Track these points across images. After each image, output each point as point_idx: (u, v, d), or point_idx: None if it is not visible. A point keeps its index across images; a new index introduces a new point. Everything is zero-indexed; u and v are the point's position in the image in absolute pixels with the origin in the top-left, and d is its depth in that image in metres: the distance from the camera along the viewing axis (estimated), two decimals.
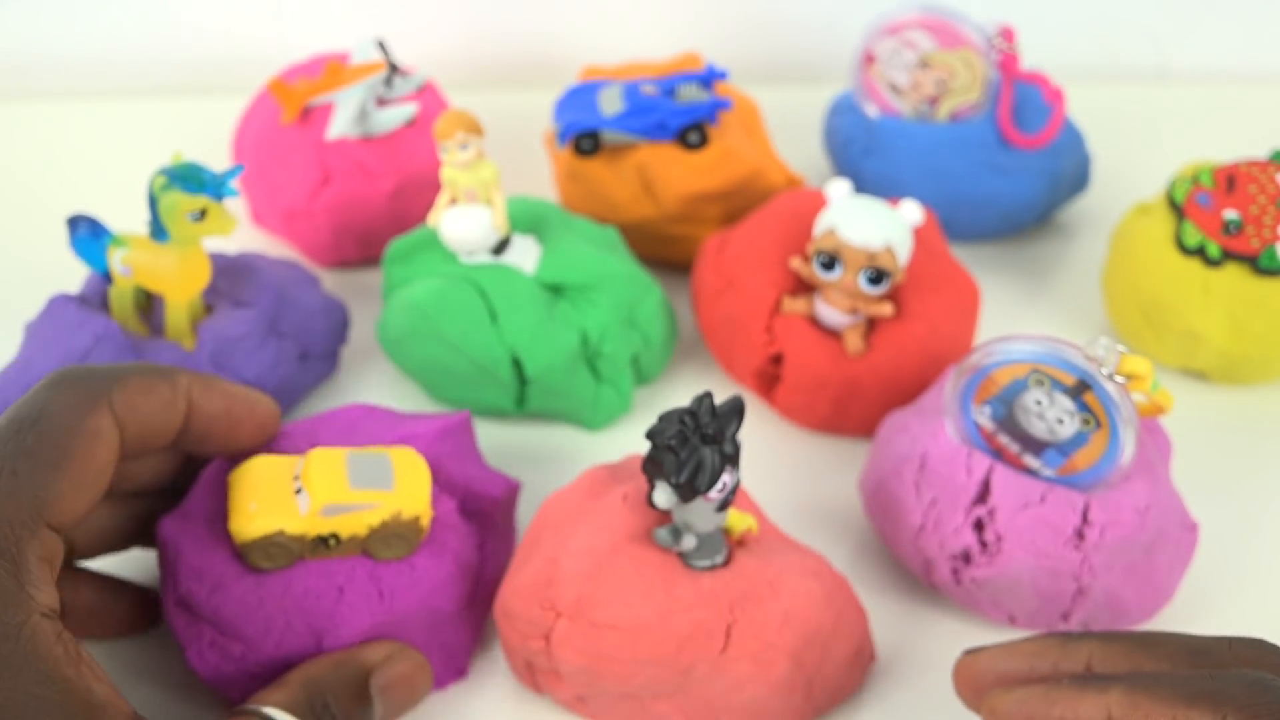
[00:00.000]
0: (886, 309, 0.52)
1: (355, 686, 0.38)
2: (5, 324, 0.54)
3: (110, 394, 0.37)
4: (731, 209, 0.60)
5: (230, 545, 0.40)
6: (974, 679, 0.37)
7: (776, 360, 0.54)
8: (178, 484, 0.44)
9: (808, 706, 0.42)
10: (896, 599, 0.49)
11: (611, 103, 0.59)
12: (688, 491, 0.39)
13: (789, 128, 0.68)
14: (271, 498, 0.39)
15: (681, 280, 0.61)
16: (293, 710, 0.36)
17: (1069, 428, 0.43)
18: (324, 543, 0.40)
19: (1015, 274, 0.65)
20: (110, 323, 0.50)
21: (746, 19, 0.79)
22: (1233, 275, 0.54)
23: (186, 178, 0.48)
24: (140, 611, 0.44)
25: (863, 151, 0.64)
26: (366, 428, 0.45)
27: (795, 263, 0.53)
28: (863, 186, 0.61)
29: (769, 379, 0.55)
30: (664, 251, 0.62)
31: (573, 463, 0.52)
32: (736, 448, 0.40)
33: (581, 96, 0.60)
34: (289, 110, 0.60)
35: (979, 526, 0.45)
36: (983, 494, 0.45)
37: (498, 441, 0.53)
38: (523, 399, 0.54)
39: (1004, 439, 0.45)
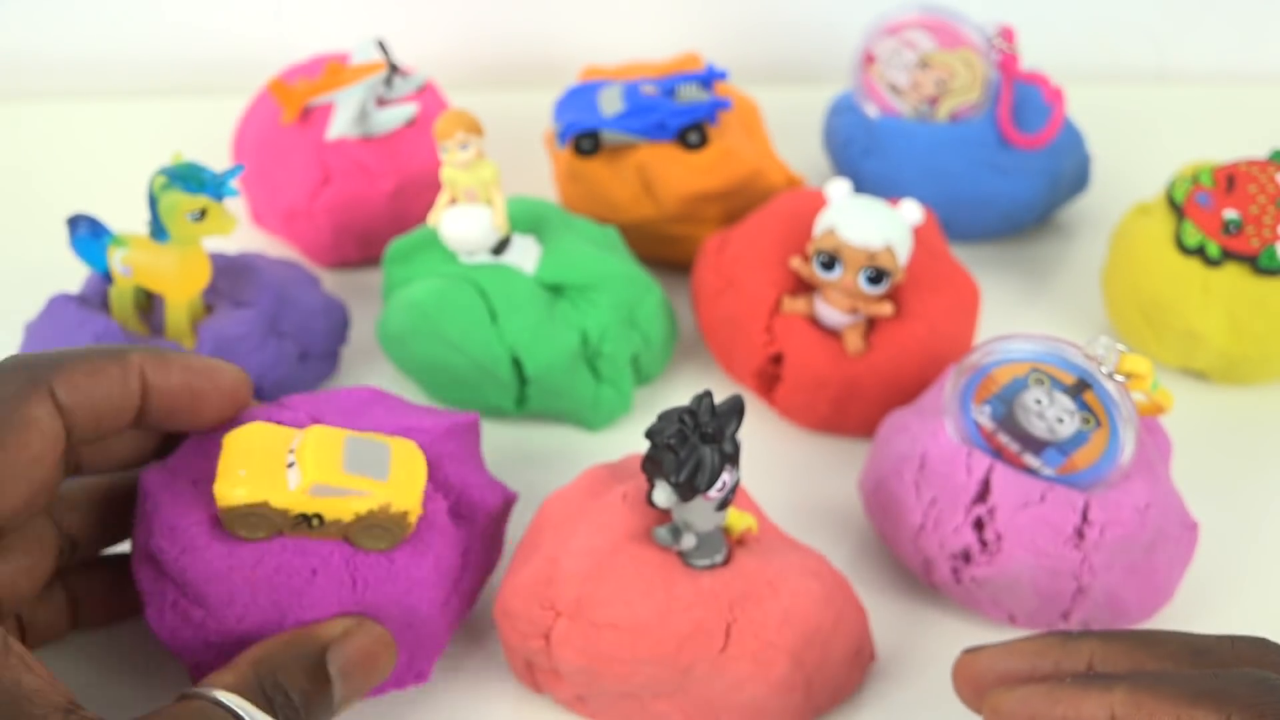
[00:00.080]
0: (886, 309, 0.52)
1: (310, 664, 0.37)
2: (5, 324, 0.54)
3: (50, 380, 0.36)
4: (731, 209, 0.60)
5: (210, 509, 0.39)
6: (974, 678, 0.37)
7: (776, 360, 0.54)
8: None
9: (807, 706, 0.42)
10: (896, 599, 0.49)
11: (611, 103, 0.59)
12: (687, 490, 0.39)
13: (789, 128, 0.68)
14: (262, 467, 0.38)
15: (681, 280, 0.61)
16: (242, 692, 0.35)
17: (1069, 427, 0.43)
18: (307, 521, 0.39)
19: (1015, 274, 0.65)
20: (110, 323, 0.50)
21: (746, 19, 0.79)
22: (1232, 275, 0.54)
23: (186, 178, 0.48)
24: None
25: (863, 151, 0.64)
26: (372, 412, 0.44)
27: (795, 262, 0.53)
28: (863, 186, 0.61)
29: (769, 379, 0.55)
30: (664, 251, 0.62)
31: (573, 463, 0.52)
32: (736, 447, 0.40)
33: (581, 96, 0.60)
34: (289, 110, 0.60)
35: (979, 526, 0.45)
36: (983, 493, 0.45)
37: (498, 441, 0.53)
38: (523, 399, 0.54)
39: (1004, 438, 0.45)
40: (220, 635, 0.38)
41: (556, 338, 0.52)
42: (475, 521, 0.44)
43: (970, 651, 0.38)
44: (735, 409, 0.39)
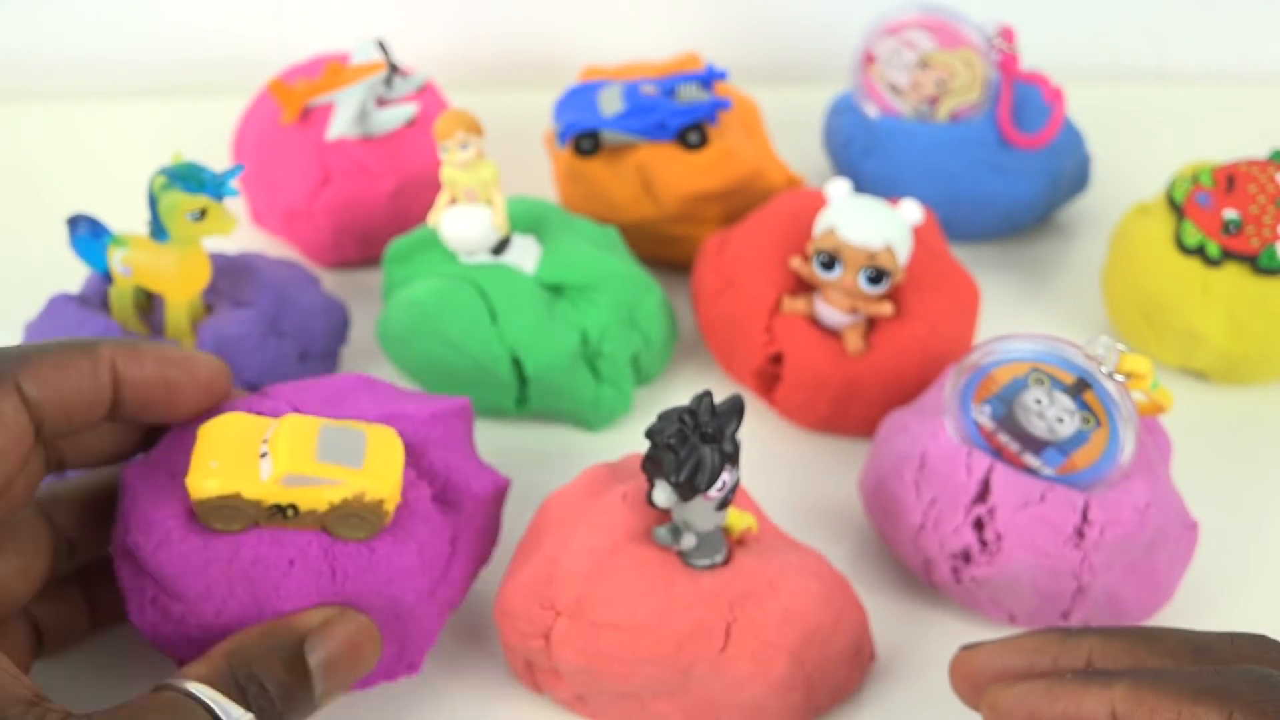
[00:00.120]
0: (886, 308, 0.52)
1: (287, 655, 0.36)
2: (5, 324, 0.54)
3: (16, 374, 0.36)
4: (731, 209, 0.60)
5: (186, 502, 0.39)
6: (972, 675, 0.37)
7: (776, 360, 0.54)
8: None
9: (807, 705, 0.42)
10: (896, 598, 0.49)
11: (611, 103, 0.59)
12: (687, 490, 0.39)
13: (789, 128, 0.68)
14: (235, 458, 0.38)
15: (681, 280, 0.61)
16: (214, 683, 0.34)
17: (1069, 426, 0.43)
18: (281, 512, 0.38)
19: (1015, 274, 0.65)
20: (110, 323, 0.50)
21: (746, 19, 0.79)
22: (1232, 275, 0.54)
23: (186, 177, 0.48)
24: None
25: (863, 151, 0.64)
26: (356, 400, 0.43)
27: (795, 262, 0.53)
28: (863, 186, 0.61)
29: (769, 378, 0.55)
30: (664, 251, 0.62)
31: (573, 463, 0.52)
32: (736, 446, 0.40)
33: (581, 96, 0.60)
34: (289, 110, 0.60)
35: (979, 525, 0.45)
36: (983, 493, 0.45)
37: (498, 441, 0.53)
38: (523, 399, 0.54)
39: (1004, 438, 0.45)
40: (200, 629, 0.38)
41: (556, 337, 0.52)
42: (463, 508, 0.43)
43: (968, 648, 0.37)
44: (735, 409, 0.39)
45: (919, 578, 0.48)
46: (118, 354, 0.38)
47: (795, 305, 0.53)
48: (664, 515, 0.42)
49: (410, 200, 0.61)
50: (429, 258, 0.54)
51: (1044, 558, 0.44)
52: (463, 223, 0.52)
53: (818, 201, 0.54)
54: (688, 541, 0.41)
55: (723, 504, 0.40)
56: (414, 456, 0.42)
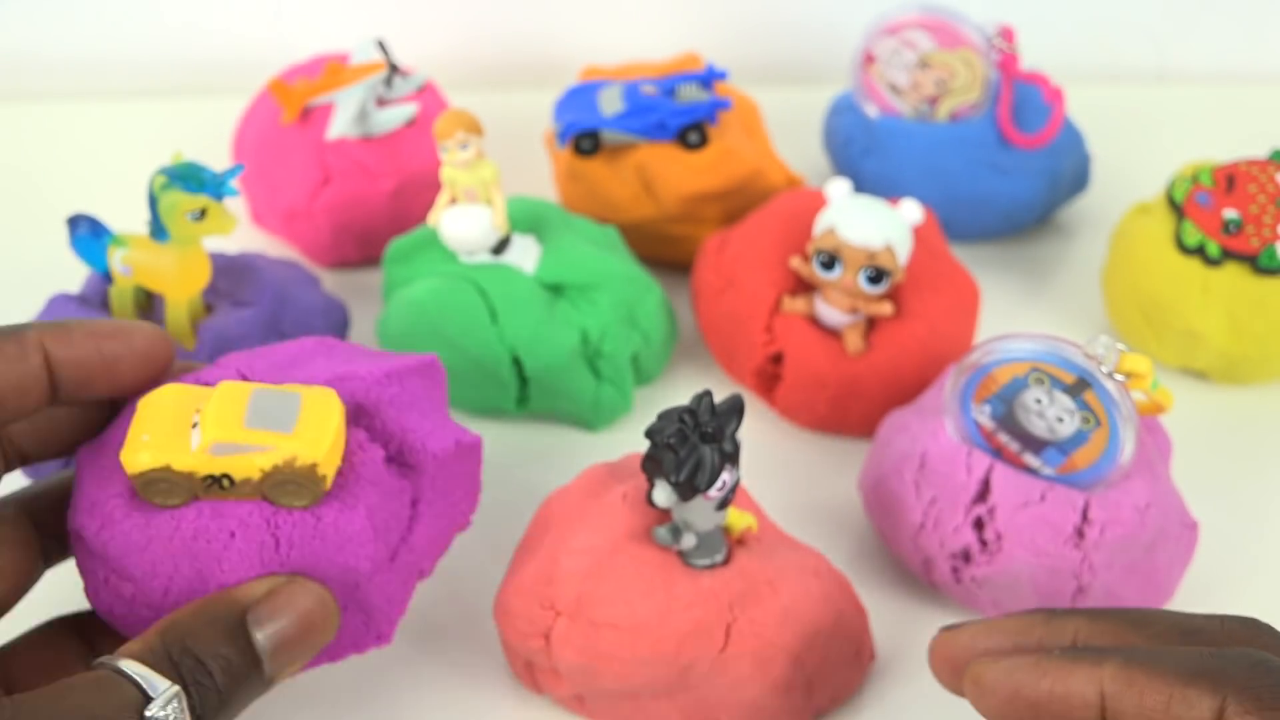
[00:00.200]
0: (886, 308, 0.52)
1: (227, 628, 0.34)
2: (5, 323, 0.54)
3: None
4: (731, 209, 0.60)
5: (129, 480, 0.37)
6: (952, 657, 0.35)
7: (776, 360, 0.54)
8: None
9: (807, 706, 0.42)
10: (896, 598, 0.49)
11: (611, 103, 0.59)
12: (687, 490, 0.39)
13: (789, 128, 0.68)
14: (167, 430, 0.36)
15: (681, 280, 0.61)
16: (148, 660, 0.33)
17: (1069, 426, 0.43)
18: (217, 483, 0.37)
19: (1015, 274, 0.65)
20: None
21: (746, 19, 0.79)
22: (1232, 275, 0.54)
23: (186, 177, 0.48)
24: None
25: (863, 151, 0.64)
26: (311, 363, 0.41)
27: (795, 262, 0.53)
28: (863, 186, 0.61)
29: (769, 378, 0.55)
30: (664, 251, 0.62)
31: (573, 463, 0.51)
32: (736, 446, 0.40)
33: (581, 96, 0.60)
34: (289, 110, 0.60)
35: (979, 525, 0.45)
36: (983, 492, 0.45)
37: (498, 441, 0.53)
38: (523, 399, 0.54)
39: (1004, 437, 0.45)
40: (151, 609, 0.37)
41: (556, 337, 0.52)
42: (424, 469, 0.40)
43: (949, 629, 0.36)
44: (735, 408, 0.39)
45: (919, 577, 0.48)
46: (46, 336, 0.37)
47: (795, 305, 0.53)
48: (664, 515, 0.42)
49: (410, 200, 0.61)
50: (429, 258, 0.54)
51: (1044, 557, 0.44)
52: (463, 222, 0.52)
53: (818, 201, 0.54)
54: (688, 541, 0.41)
55: (723, 504, 0.40)
56: (366, 417, 0.40)
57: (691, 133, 0.58)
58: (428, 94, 0.64)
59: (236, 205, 0.64)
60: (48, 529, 0.40)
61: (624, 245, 0.57)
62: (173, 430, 0.37)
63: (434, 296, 0.52)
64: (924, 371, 0.52)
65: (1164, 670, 0.29)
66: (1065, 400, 0.43)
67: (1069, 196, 0.66)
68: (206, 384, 0.39)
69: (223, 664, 0.34)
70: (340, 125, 0.59)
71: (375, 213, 0.60)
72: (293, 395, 0.38)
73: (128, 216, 0.54)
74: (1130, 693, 0.29)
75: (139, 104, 0.75)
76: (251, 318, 0.51)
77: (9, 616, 0.38)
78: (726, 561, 0.42)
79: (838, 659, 0.42)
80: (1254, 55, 0.82)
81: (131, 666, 0.32)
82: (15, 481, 0.44)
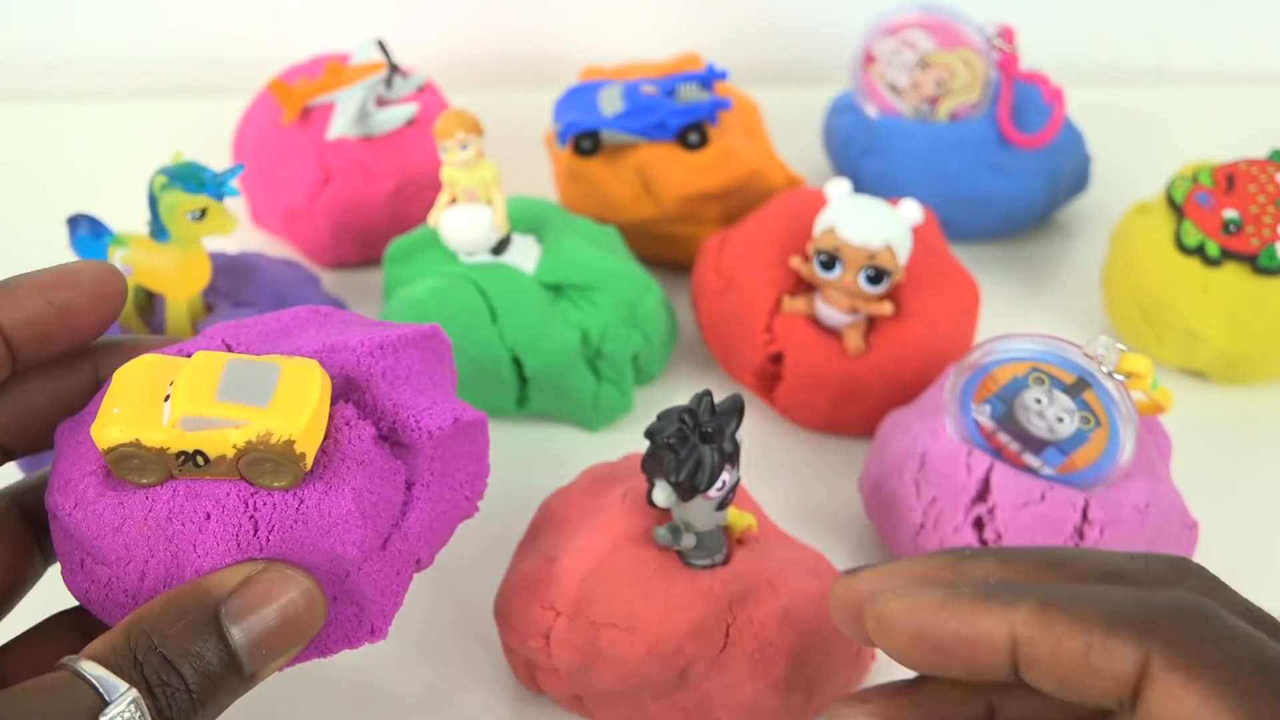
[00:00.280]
0: (886, 308, 0.52)
1: (197, 622, 0.31)
2: None
3: None
4: (731, 209, 0.60)
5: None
6: (853, 604, 0.31)
7: (776, 359, 0.54)
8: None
9: (807, 706, 0.42)
10: None
11: (611, 103, 0.59)
12: (687, 490, 0.39)
13: (789, 128, 0.68)
14: (138, 403, 0.34)
15: (681, 280, 0.61)
16: (109, 660, 0.30)
17: (1069, 426, 0.43)
18: (191, 460, 0.34)
19: (1015, 274, 0.65)
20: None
21: (746, 19, 0.79)
22: (1232, 274, 0.54)
23: (186, 177, 0.48)
24: None
25: (862, 151, 0.64)
26: (300, 333, 0.38)
27: (795, 262, 0.53)
28: (862, 186, 0.61)
29: (769, 378, 0.55)
30: (664, 251, 0.62)
31: (573, 463, 0.52)
32: (736, 446, 0.40)
33: (581, 96, 0.60)
34: (289, 110, 0.60)
35: (979, 525, 0.45)
36: (983, 492, 0.45)
37: (498, 441, 0.53)
38: (523, 399, 0.54)
39: (1004, 437, 0.45)
40: (127, 595, 0.34)
41: (557, 337, 0.52)
42: (419, 449, 0.37)
43: (849, 574, 0.32)
44: (735, 408, 0.39)
45: None
46: None
47: (795, 305, 0.53)
48: (664, 515, 0.42)
49: (410, 200, 0.61)
50: (429, 257, 0.54)
51: None
52: (463, 222, 0.52)
53: (818, 201, 0.54)
54: (688, 541, 0.41)
55: (723, 504, 0.40)
56: (355, 392, 0.37)
57: (691, 133, 0.58)
58: (428, 94, 0.64)
59: (236, 205, 0.64)
60: (41, 521, 0.38)
61: (624, 245, 0.57)
62: (145, 403, 0.34)
63: (434, 296, 0.52)
64: (924, 371, 0.52)
65: (1084, 615, 0.26)
66: (1065, 400, 0.43)
67: (1069, 196, 0.66)
68: (187, 355, 0.36)
69: (194, 662, 0.31)
70: (340, 125, 0.59)
71: (375, 213, 0.60)
72: (271, 366, 0.35)
73: (128, 216, 0.54)
74: (1045, 638, 0.26)
75: (139, 104, 0.75)
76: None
77: (14, 616, 0.37)
78: (726, 561, 0.42)
79: (838, 659, 0.42)
80: (1254, 55, 0.82)
81: (89, 668, 0.30)
82: (12, 476, 0.43)
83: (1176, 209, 0.55)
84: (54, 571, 0.39)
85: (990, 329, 0.54)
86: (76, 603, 0.38)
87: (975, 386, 0.45)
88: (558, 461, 0.53)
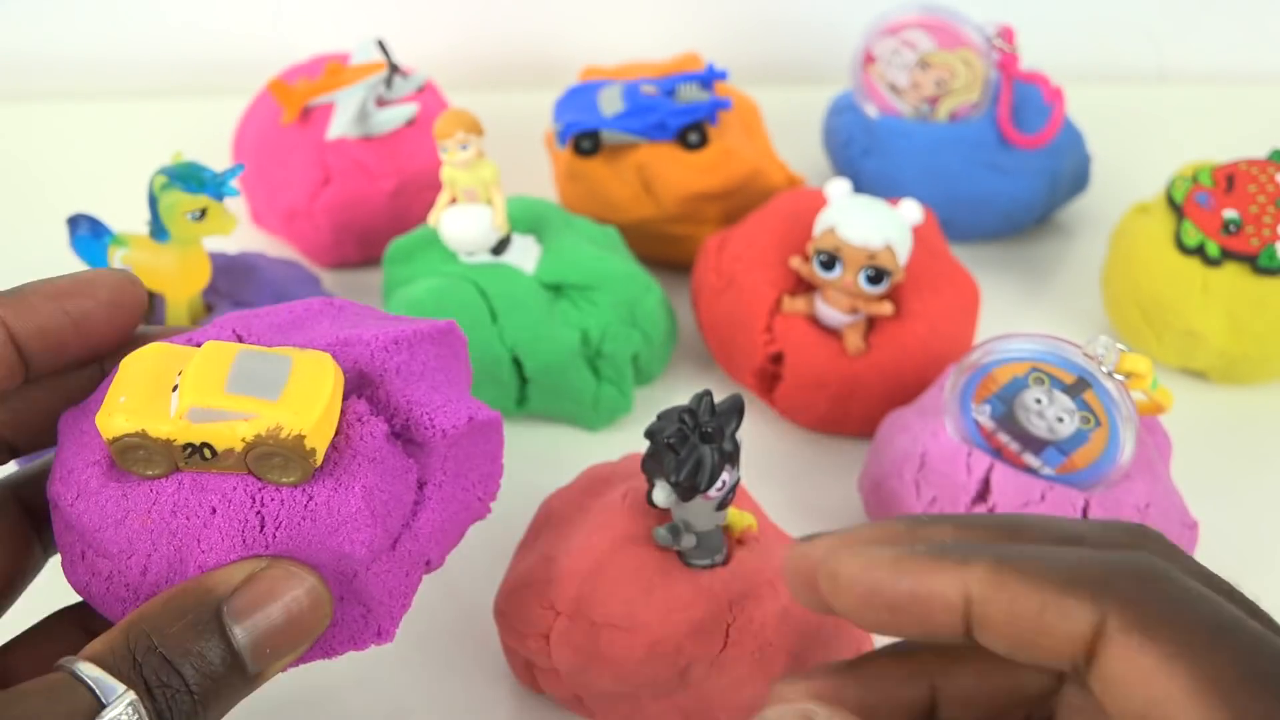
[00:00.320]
0: (886, 308, 0.52)
1: (199, 621, 0.31)
2: None
3: None
4: (731, 209, 0.60)
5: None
6: (808, 569, 0.30)
7: (776, 359, 0.54)
8: None
9: None
10: None
11: (611, 103, 0.59)
12: (687, 490, 0.39)
13: (789, 128, 0.68)
14: (145, 392, 0.33)
15: (681, 280, 0.61)
16: (108, 662, 0.29)
17: (1069, 426, 0.43)
18: (198, 453, 0.33)
19: (1015, 274, 0.65)
20: None
21: (746, 19, 0.79)
22: (1232, 274, 0.54)
23: (186, 177, 0.48)
24: None
25: (862, 151, 0.64)
26: (315, 326, 0.37)
27: (795, 262, 0.53)
28: (862, 186, 0.61)
29: (769, 378, 0.55)
30: (664, 251, 0.62)
31: (573, 463, 0.52)
32: (736, 446, 0.40)
33: (581, 96, 0.60)
34: (289, 110, 0.60)
35: None
36: (983, 492, 0.45)
37: None
38: (523, 399, 0.54)
39: (1004, 437, 0.45)
40: (129, 590, 0.33)
41: (556, 337, 0.52)
42: (432, 448, 0.36)
43: (802, 541, 0.31)
44: (735, 408, 0.39)
45: None
46: (3, 309, 0.34)
47: (795, 305, 0.53)
48: (664, 515, 0.42)
49: (410, 200, 0.61)
50: (429, 258, 0.54)
51: None
52: (463, 222, 0.52)
53: (818, 201, 0.54)
54: (688, 541, 0.41)
55: (722, 504, 0.40)
56: (368, 387, 0.36)
57: (691, 133, 0.58)
58: (428, 94, 0.64)
59: (236, 205, 0.64)
60: (42, 513, 0.37)
61: (624, 245, 0.57)
62: (152, 393, 0.33)
63: (434, 296, 0.52)
64: (924, 371, 0.52)
65: (1040, 574, 0.25)
66: (1065, 400, 0.43)
67: (1069, 196, 0.66)
68: (197, 345, 0.35)
69: (195, 663, 0.30)
70: (340, 125, 0.59)
71: (375, 213, 0.60)
72: (283, 359, 0.34)
73: (128, 216, 0.54)
74: (1000, 597, 0.25)
75: (139, 104, 0.75)
76: None
77: (17, 612, 0.36)
78: (726, 561, 0.42)
79: (838, 659, 0.42)
80: (1254, 55, 0.82)
81: (86, 669, 0.29)
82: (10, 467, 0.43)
83: (1176, 209, 0.55)
84: (58, 569, 0.39)
85: (990, 329, 0.54)
86: (79, 599, 0.37)
87: (975, 386, 0.45)
88: (558, 461, 0.53)
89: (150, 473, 0.33)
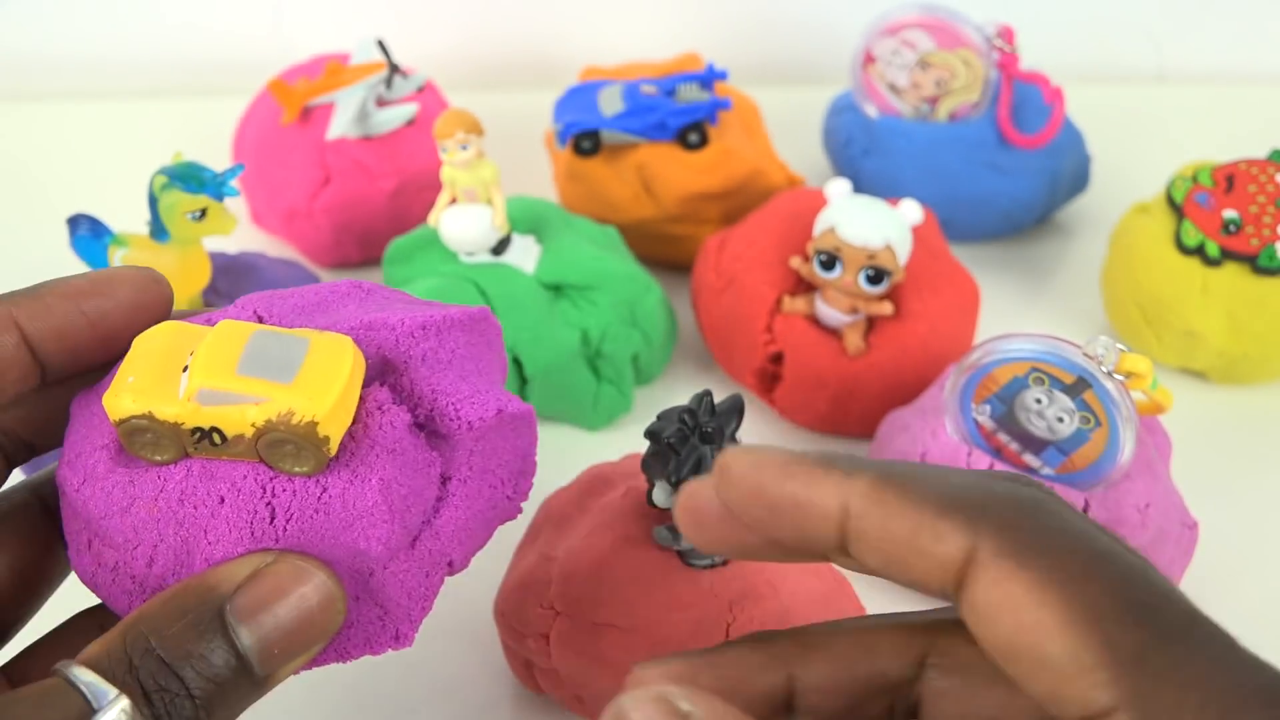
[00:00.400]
0: (886, 308, 0.52)
1: (200, 622, 0.29)
2: None
3: None
4: (731, 209, 0.60)
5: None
6: (699, 508, 0.29)
7: (776, 359, 0.54)
8: None
9: None
10: (897, 599, 0.49)
11: (611, 103, 0.59)
12: None
13: (789, 128, 0.68)
14: (156, 372, 0.31)
15: (681, 280, 0.61)
16: (104, 665, 0.28)
17: (1069, 426, 0.43)
18: (208, 438, 0.31)
19: (1015, 274, 0.65)
20: None
21: (746, 19, 0.79)
22: (1232, 274, 0.54)
23: (187, 177, 0.48)
24: None
25: (862, 151, 0.64)
26: (339, 308, 0.35)
27: (795, 262, 0.53)
28: (862, 186, 0.61)
29: (769, 378, 0.55)
30: (664, 251, 0.62)
31: (573, 463, 0.52)
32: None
33: (581, 96, 0.60)
34: (289, 110, 0.60)
35: None
36: None
37: None
38: (523, 399, 0.54)
39: (1004, 437, 0.45)
40: (134, 582, 0.32)
41: (556, 337, 0.52)
42: (458, 441, 0.34)
43: (695, 483, 0.30)
44: (735, 408, 0.39)
45: None
46: (16, 308, 0.32)
47: (795, 305, 0.53)
48: (664, 515, 0.42)
49: (410, 200, 0.61)
50: (429, 258, 0.54)
51: None
52: (463, 222, 0.52)
53: (818, 201, 0.54)
54: (688, 541, 0.41)
55: None
56: (392, 375, 0.34)
57: (691, 133, 0.58)
58: (428, 94, 0.64)
59: (236, 205, 0.64)
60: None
61: (624, 245, 0.57)
62: (162, 373, 0.31)
63: (434, 296, 0.52)
64: (924, 371, 0.52)
65: (918, 495, 0.25)
66: (1065, 400, 0.43)
67: (1069, 196, 0.66)
68: (215, 324, 0.33)
69: (196, 665, 0.28)
70: (340, 125, 0.59)
71: (375, 213, 0.61)
72: (300, 340, 0.32)
73: (128, 216, 0.54)
74: (876, 513, 0.25)
75: (139, 104, 0.75)
76: None
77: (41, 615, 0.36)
78: (726, 561, 0.42)
79: None
80: (1254, 55, 0.82)
81: (80, 674, 0.28)
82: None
83: (1176, 209, 0.55)
84: None
85: (990, 329, 0.54)
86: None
87: (975, 386, 0.45)
88: (558, 461, 0.53)
89: (158, 458, 0.32)
